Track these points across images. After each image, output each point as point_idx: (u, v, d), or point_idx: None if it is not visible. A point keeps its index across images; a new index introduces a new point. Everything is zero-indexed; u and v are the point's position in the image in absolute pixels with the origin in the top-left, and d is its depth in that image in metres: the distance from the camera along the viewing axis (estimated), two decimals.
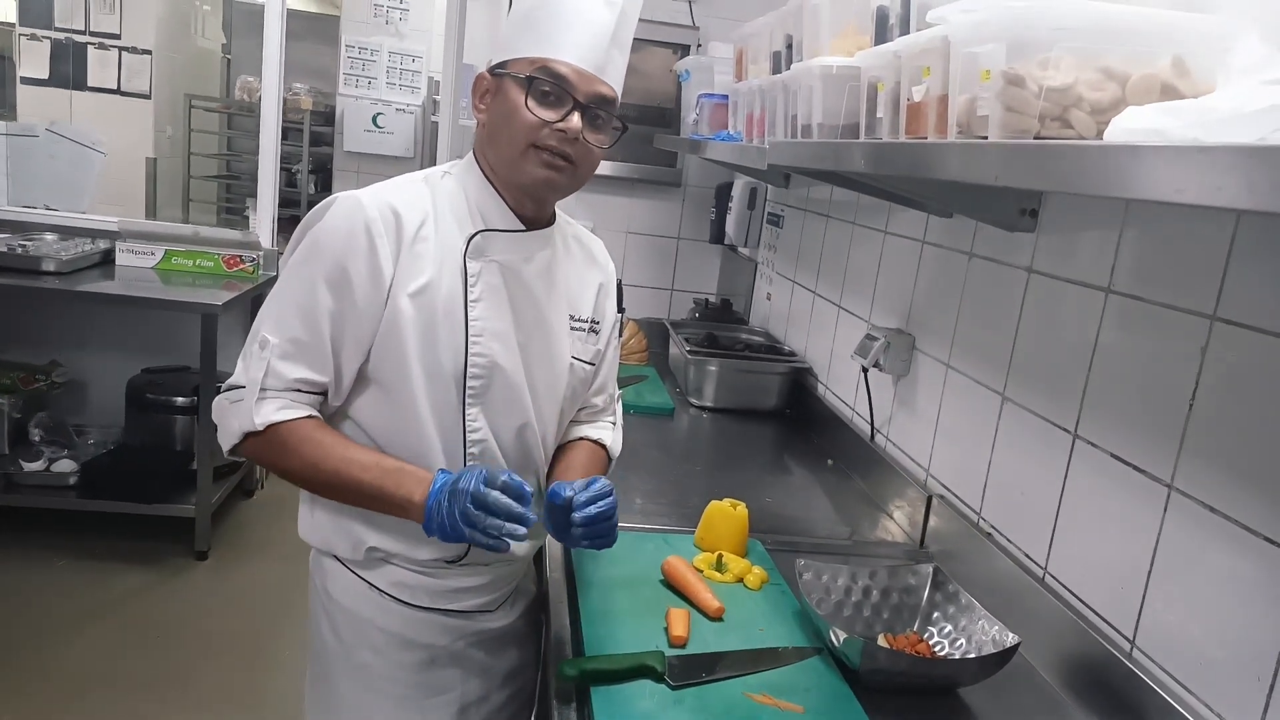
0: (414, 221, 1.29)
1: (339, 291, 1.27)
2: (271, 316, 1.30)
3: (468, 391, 1.32)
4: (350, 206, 1.28)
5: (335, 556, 1.41)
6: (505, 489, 1.19)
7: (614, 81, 1.32)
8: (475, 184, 1.36)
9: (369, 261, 1.26)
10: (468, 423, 1.34)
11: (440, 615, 1.43)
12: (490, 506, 1.18)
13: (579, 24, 1.27)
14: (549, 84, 1.26)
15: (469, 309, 1.31)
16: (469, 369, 1.32)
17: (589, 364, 1.49)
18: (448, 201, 1.34)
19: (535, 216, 1.38)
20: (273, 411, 1.28)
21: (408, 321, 1.28)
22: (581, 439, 1.55)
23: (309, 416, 1.31)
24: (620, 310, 1.54)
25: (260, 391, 1.28)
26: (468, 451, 1.35)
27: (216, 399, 1.33)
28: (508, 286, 1.35)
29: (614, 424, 1.61)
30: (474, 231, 1.33)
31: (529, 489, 1.22)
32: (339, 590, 1.42)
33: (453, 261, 1.31)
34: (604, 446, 1.56)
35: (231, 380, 1.32)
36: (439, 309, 1.30)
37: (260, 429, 1.27)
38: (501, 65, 1.30)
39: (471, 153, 1.39)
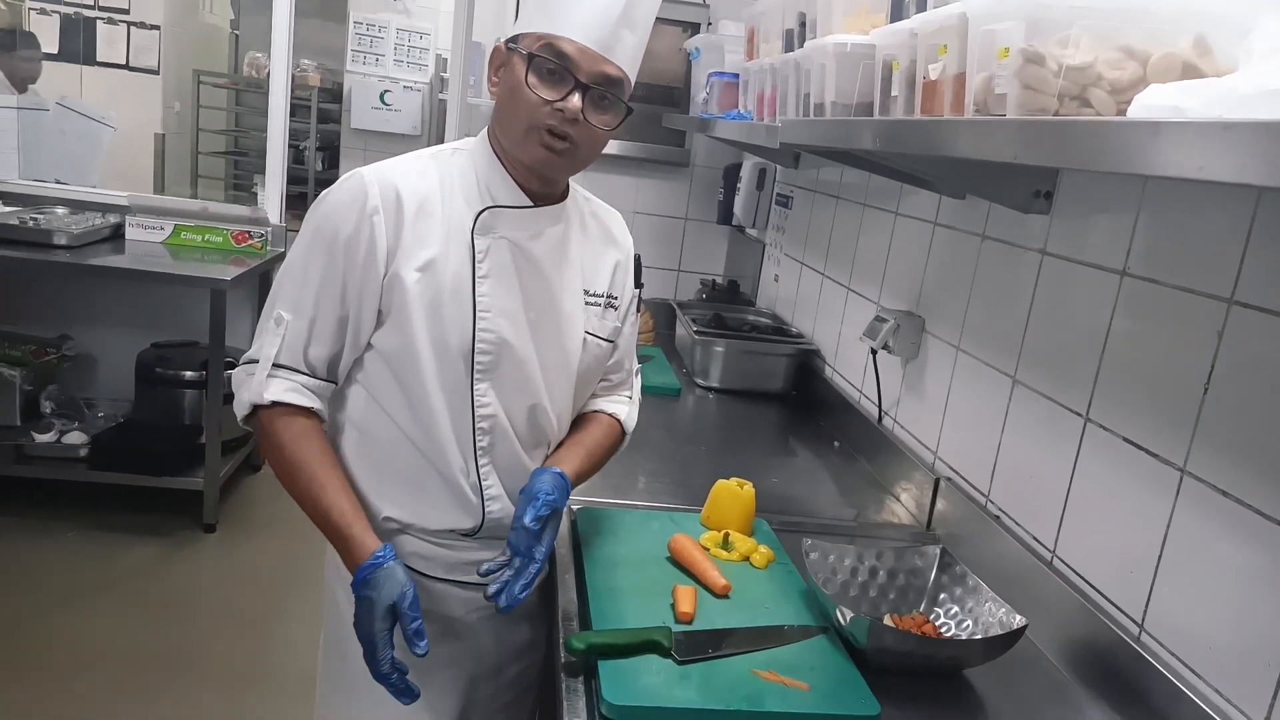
0: (415, 198, 1.30)
1: (341, 265, 1.29)
2: (284, 293, 1.33)
3: (476, 367, 1.33)
4: (351, 183, 1.30)
5: None
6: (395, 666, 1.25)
7: (623, 62, 1.29)
8: (485, 161, 1.36)
9: (366, 234, 1.28)
10: (476, 398, 1.34)
11: (456, 587, 1.44)
12: (381, 661, 1.24)
13: (587, 1, 1.26)
14: (552, 62, 1.25)
15: (476, 285, 1.32)
16: (476, 345, 1.32)
17: (606, 340, 1.48)
18: (457, 179, 1.35)
19: (544, 193, 1.37)
20: (281, 391, 1.32)
21: (414, 297, 1.29)
22: (597, 412, 1.56)
23: (311, 411, 1.35)
24: (639, 285, 1.54)
25: (272, 369, 1.31)
26: (476, 427, 1.35)
27: (235, 369, 1.37)
28: (516, 264, 1.35)
29: (630, 398, 1.61)
30: (482, 208, 1.33)
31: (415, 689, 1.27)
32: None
33: (460, 238, 1.32)
34: (619, 420, 1.57)
35: (249, 354, 1.36)
36: (446, 285, 1.31)
37: (267, 404, 1.31)
38: (514, 40, 1.30)
39: (486, 129, 1.38)
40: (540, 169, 1.32)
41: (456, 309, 1.31)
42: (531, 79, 1.25)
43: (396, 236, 1.29)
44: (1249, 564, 1.13)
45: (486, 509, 1.39)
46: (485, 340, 1.32)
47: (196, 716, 2.72)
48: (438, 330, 1.31)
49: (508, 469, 1.40)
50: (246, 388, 1.33)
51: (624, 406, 1.59)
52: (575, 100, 1.25)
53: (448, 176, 1.34)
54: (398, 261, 1.29)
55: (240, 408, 1.35)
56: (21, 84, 4.80)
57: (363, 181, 1.29)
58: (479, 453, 1.37)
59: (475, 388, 1.34)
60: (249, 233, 4.06)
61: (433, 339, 1.31)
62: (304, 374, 1.33)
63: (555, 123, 1.26)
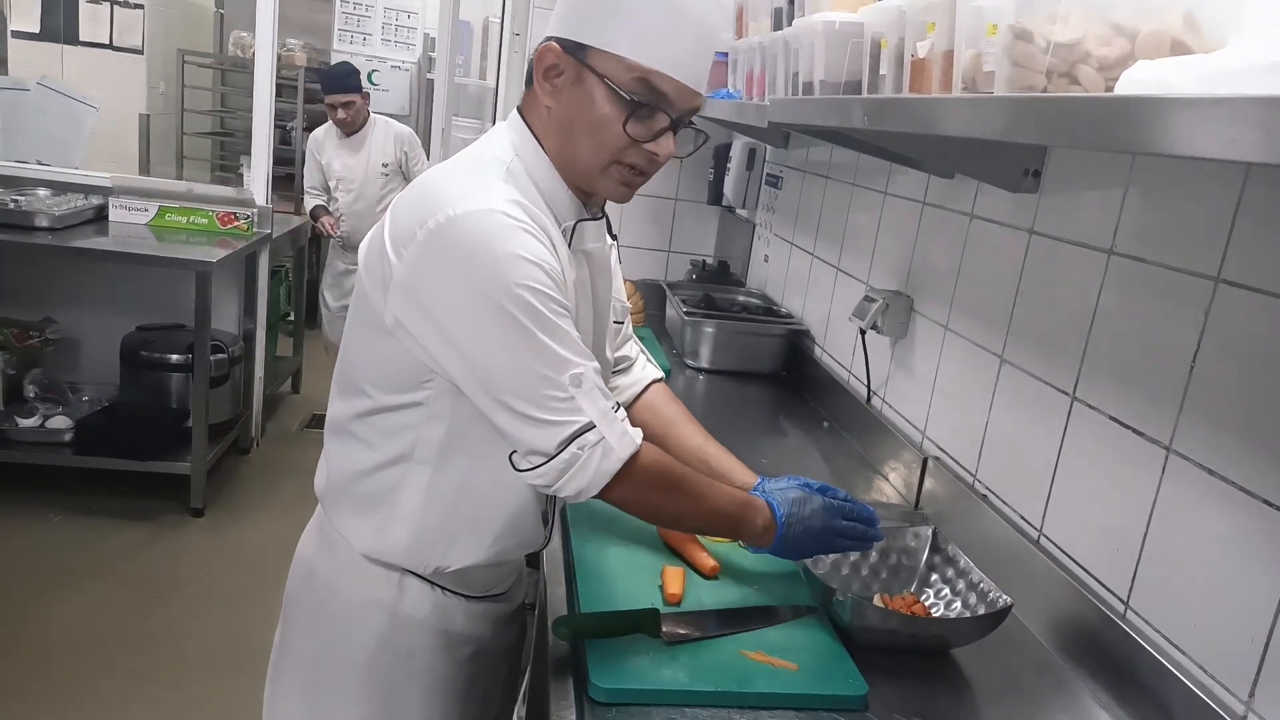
0: (535, 216, 1.15)
1: (560, 294, 1.12)
2: (565, 352, 1.10)
3: None
4: (525, 237, 1.09)
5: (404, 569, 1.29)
6: (854, 518, 1.37)
7: (705, 89, 1.17)
8: (544, 173, 1.20)
9: (551, 254, 1.13)
10: None
11: (489, 602, 1.37)
12: (844, 534, 1.36)
13: (691, 29, 1.11)
14: (647, 102, 1.12)
15: (578, 306, 1.23)
16: None
17: (617, 322, 1.48)
18: (530, 193, 1.18)
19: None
20: (635, 430, 1.16)
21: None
22: (655, 383, 1.61)
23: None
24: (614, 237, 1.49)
25: (615, 411, 1.14)
26: None
27: (552, 462, 1.11)
28: (592, 276, 1.28)
29: (640, 353, 1.63)
30: (573, 223, 1.21)
31: (872, 512, 1.40)
32: (399, 600, 1.29)
33: (563, 256, 1.18)
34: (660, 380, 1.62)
35: (557, 441, 1.10)
36: (574, 306, 1.20)
37: (639, 446, 1.15)
38: (583, 49, 1.12)
39: (528, 130, 1.21)
40: (611, 200, 1.24)
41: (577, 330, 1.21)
42: (630, 124, 1.12)
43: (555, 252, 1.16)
44: (1233, 541, 1.13)
45: (549, 534, 1.35)
46: None
47: (185, 699, 2.71)
48: None
49: None
50: (604, 453, 1.12)
51: (653, 367, 1.63)
52: (669, 143, 1.15)
53: (526, 192, 1.17)
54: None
55: (602, 476, 1.13)
56: (351, 127, 4.71)
57: (530, 235, 1.10)
58: None
59: None
60: (234, 214, 4.03)
61: None
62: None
63: (643, 163, 1.16)
